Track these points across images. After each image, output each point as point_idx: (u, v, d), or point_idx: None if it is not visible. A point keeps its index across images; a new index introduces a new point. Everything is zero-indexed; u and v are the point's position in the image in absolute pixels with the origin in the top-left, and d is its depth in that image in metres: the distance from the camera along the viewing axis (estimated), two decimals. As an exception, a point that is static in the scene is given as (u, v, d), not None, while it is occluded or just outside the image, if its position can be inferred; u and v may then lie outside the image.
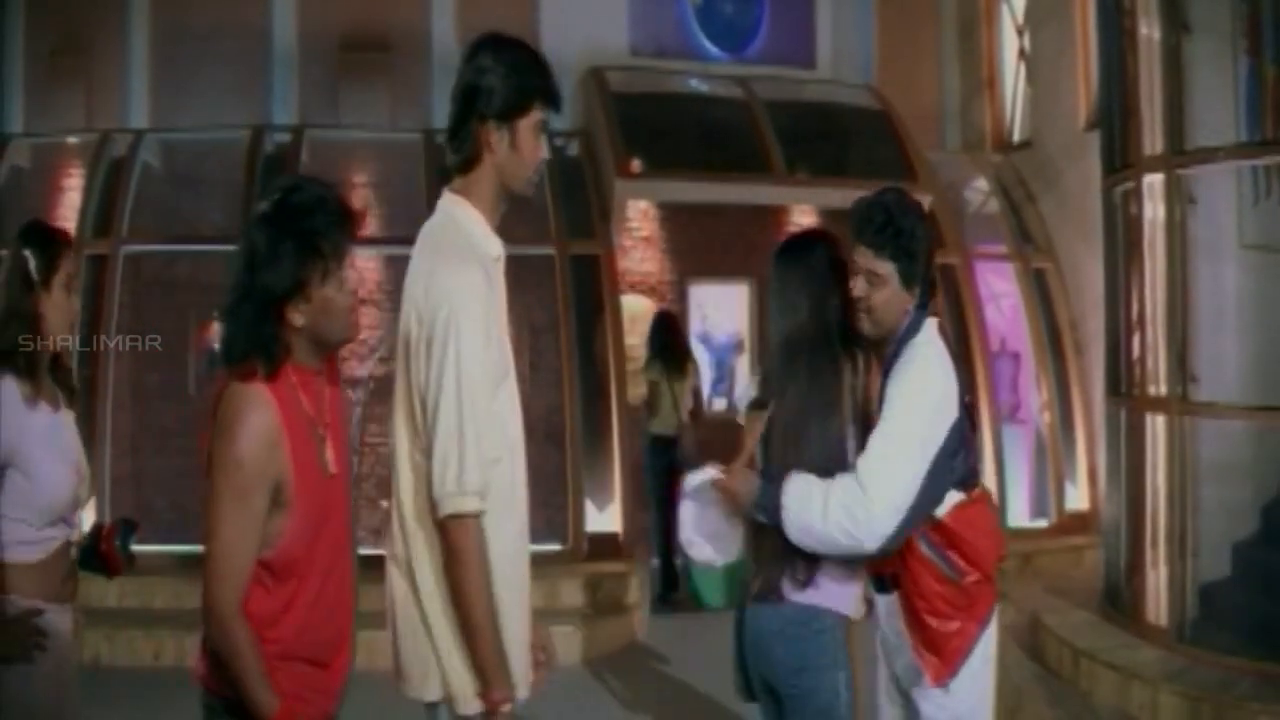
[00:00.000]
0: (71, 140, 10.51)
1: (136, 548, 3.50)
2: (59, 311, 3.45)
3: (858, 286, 3.45)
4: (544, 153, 3.04)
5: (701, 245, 11.93)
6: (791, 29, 12.05)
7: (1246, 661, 6.13)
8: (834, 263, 3.56)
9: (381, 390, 9.20)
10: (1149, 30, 7.00)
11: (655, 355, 9.62)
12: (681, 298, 11.98)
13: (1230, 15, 6.85)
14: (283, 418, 2.69)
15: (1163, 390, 6.88)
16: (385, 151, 10.73)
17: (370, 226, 10.06)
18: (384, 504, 3.02)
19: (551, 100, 3.01)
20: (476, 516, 2.80)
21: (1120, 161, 7.42)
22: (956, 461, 3.36)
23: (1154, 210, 6.98)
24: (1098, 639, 6.88)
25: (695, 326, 11.93)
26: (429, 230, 3.03)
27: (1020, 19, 11.65)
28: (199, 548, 2.72)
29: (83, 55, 10.96)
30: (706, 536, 3.61)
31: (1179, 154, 6.79)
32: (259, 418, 2.65)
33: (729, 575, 3.65)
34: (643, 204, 11.63)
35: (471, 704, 2.86)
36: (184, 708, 3.14)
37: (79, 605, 3.54)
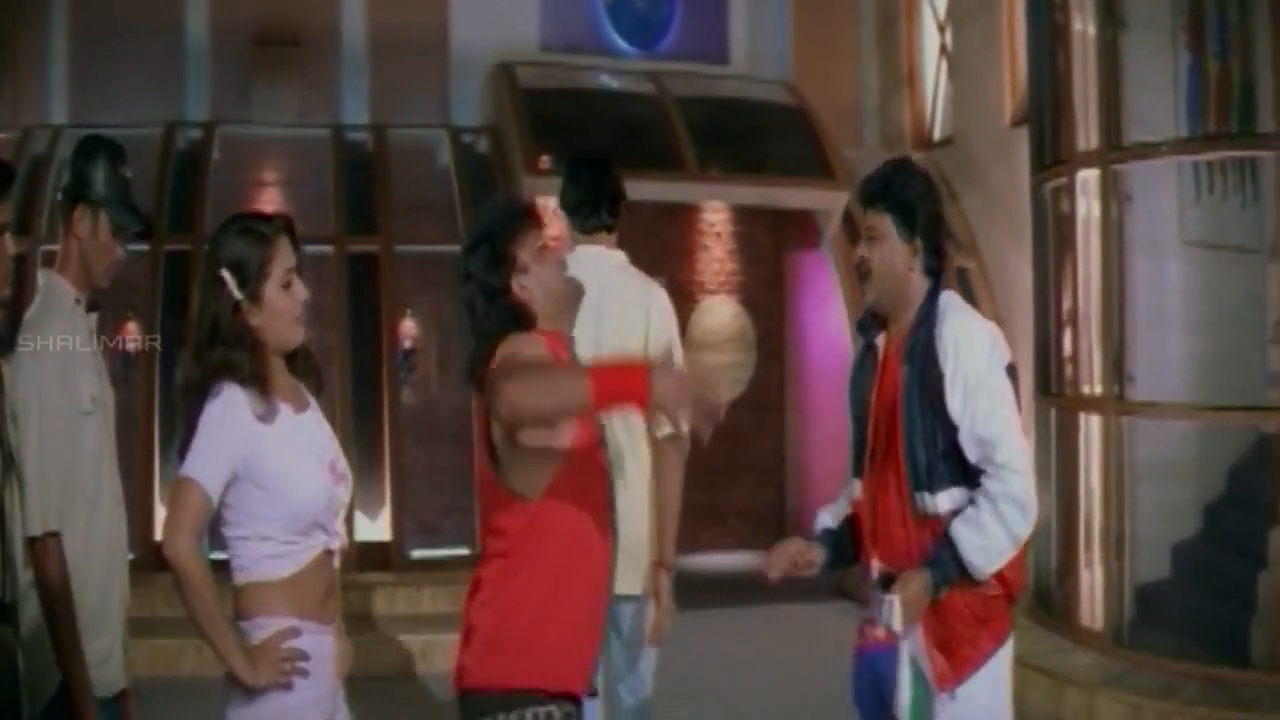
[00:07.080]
0: (-7, 137, 10.17)
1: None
2: (278, 319, 2.94)
3: (860, 250, 3.43)
4: None
5: (613, 243, 11.74)
6: (704, 24, 11.86)
7: (1192, 665, 6.07)
8: None
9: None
10: (1083, 25, 6.95)
11: None
12: (598, 297, 11.79)
13: (1169, 9, 6.81)
14: (553, 354, 3.07)
15: (1097, 389, 6.81)
16: (295, 147, 10.37)
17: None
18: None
19: None
20: None
21: (1051, 157, 7.36)
22: None
23: (1088, 206, 6.91)
24: (1029, 644, 6.72)
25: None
26: None
27: (942, 15, 11.58)
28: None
29: (4, 50, 10.66)
30: None
31: (1115, 149, 6.72)
32: (534, 346, 3.03)
33: None
34: (553, 202, 11.38)
35: None
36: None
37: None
